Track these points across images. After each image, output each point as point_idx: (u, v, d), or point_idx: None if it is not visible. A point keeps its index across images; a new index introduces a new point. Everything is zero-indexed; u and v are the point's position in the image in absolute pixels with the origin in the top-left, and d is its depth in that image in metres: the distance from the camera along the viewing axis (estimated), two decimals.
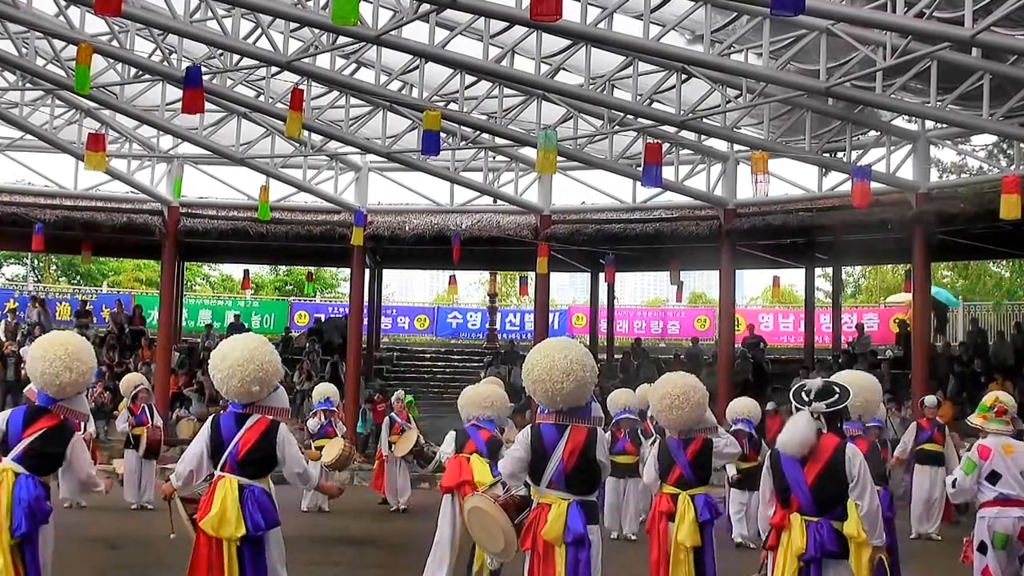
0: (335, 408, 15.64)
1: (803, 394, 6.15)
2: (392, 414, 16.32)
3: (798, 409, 6.10)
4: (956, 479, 7.71)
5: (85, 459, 6.77)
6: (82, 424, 13.69)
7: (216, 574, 6.17)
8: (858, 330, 25.67)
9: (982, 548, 7.51)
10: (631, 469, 12.37)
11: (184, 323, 28.54)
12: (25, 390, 11.52)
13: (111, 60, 18.02)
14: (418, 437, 15.41)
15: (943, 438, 14.29)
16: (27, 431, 6.52)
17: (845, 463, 5.92)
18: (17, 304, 28.14)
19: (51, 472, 6.70)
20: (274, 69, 17.86)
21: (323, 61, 17.41)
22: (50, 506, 6.55)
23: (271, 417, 6.47)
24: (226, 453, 6.33)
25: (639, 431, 12.57)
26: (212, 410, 20.64)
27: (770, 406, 16.49)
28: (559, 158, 15.44)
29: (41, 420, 6.58)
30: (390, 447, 15.96)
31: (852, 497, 5.91)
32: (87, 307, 27.54)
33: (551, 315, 26.00)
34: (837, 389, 6.16)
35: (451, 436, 9.53)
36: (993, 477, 7.51)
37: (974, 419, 7.90)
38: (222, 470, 6.34)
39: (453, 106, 18.06)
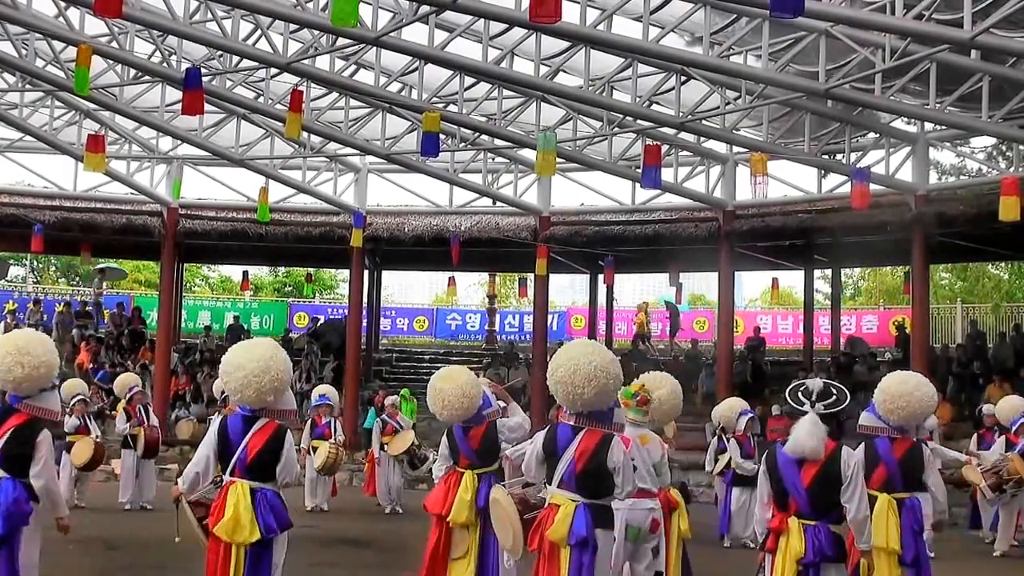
0: (331, 403, 15.75)
1: (800, 394, 6.10)
2: (384, 416, 16.27)
3: (796, 409, 6.07)
4: None
5: (48, 464, 6.53)
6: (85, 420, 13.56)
7: None
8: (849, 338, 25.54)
9: None
10: None
11: (183, 324, 28.52)
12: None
13: (111, 61, 18.03)
14: (411, 440, 15.38)
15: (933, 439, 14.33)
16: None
17: (841, 465, 5.90)
18: (16, 305, 28.10)
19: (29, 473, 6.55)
20: (273, 70, 17.85)
21: (323, 62, 17.41)
22: (31, 507, 6.46)
23: (279, 421, 6.47)
24: (234, 457, 6.30)
25: None
26: (212, 411, 20.62)
27: (775, 410, 16.56)
28: (558, 160, 15.44)
29: (9, 419, 6.50)
30: (382, 448, 15.92)
31: (842, 499, 5.89)
32: (87, 308, 27.52)
33: (550, 317, 25.98)
34: (835, 391, 6.14)
35: (444, 450, 8.14)
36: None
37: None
38: (231, 474, 6.31)
39: (452, 108, 18.05)
